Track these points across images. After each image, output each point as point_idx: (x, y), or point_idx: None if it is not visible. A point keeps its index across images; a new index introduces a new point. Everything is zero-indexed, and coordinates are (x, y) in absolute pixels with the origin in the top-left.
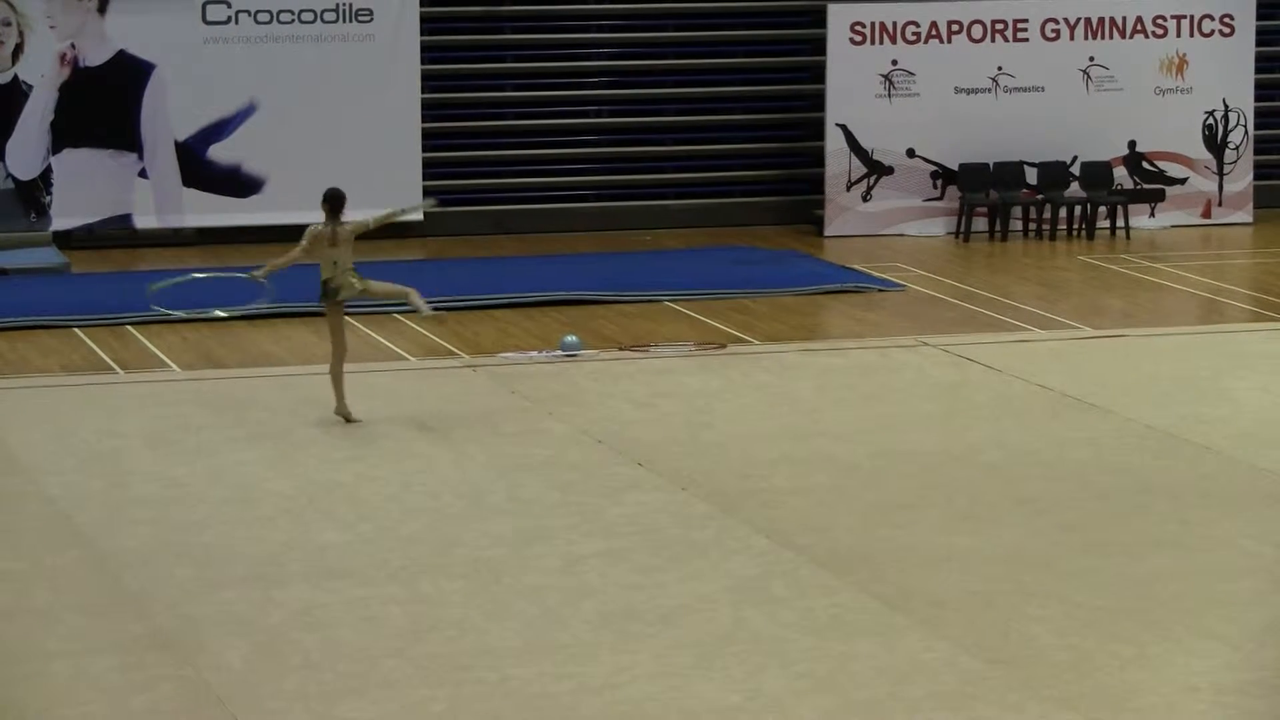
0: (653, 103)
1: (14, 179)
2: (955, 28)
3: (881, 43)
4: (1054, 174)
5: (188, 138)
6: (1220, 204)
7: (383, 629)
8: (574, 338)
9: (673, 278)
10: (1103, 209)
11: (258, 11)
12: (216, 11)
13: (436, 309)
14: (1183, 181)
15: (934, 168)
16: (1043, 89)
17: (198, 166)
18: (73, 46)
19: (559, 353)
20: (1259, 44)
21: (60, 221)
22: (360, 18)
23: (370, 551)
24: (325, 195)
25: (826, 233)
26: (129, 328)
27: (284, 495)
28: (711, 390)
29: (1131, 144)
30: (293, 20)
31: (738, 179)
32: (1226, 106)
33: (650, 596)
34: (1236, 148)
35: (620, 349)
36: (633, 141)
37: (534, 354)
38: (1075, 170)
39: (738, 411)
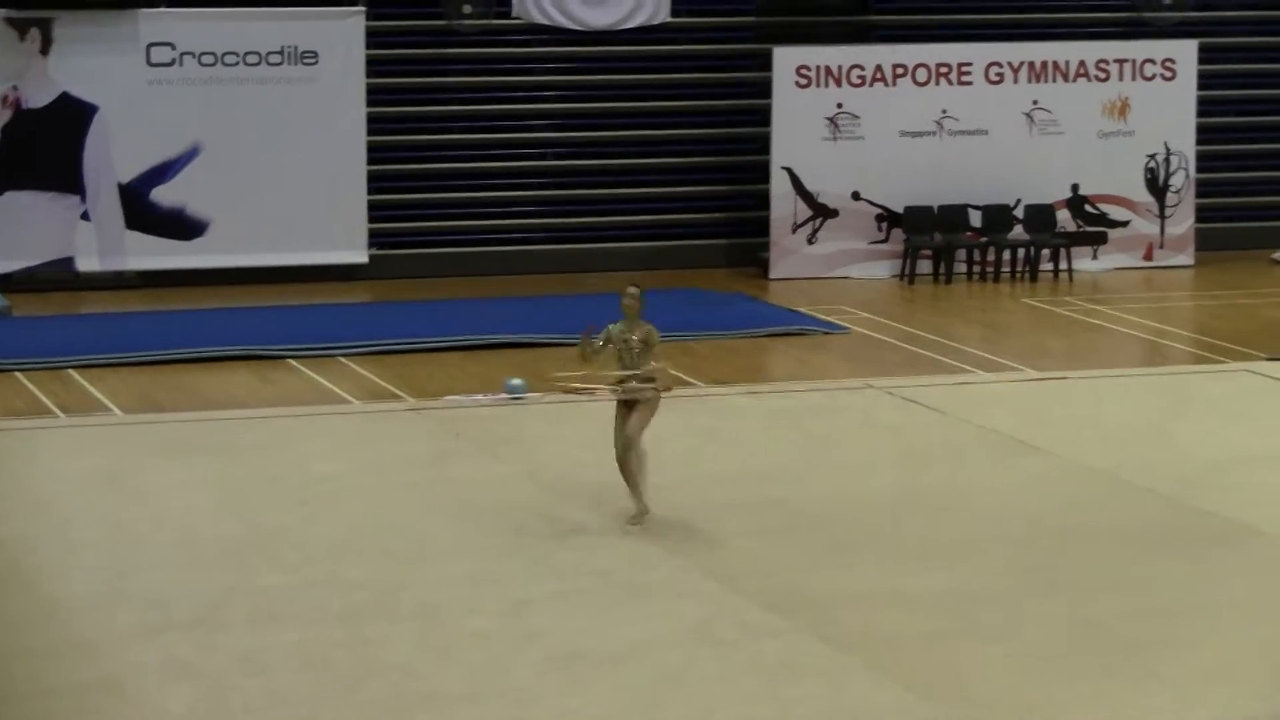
0: (600, 145)
1: None
2: (900, 71)
3: (827, 86)
4: (997, 217)
5: (131, 180)
6: (1162, 246)
7: (327, 673)
8: (519, 380)
9: (617, 320)
10: (1046, 251)
11: (202, 54)
12: (161, 53)
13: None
14: (1125, 224)
15: (879, 210)
16: (987, 132)
17: (141, 209)
18: (15, 88)
19: (504, 396)
20: (1200, 88)
21: (1, 264)
22: (305, 60)
23: (314, 595)
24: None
25: (772, 275)
26: (70, 371)
27: (228, 539)
28: (657, 433)
29: (1074, 187)
30: (237, 63)
31: (683, 221)
32: (1168, 150)
33: (598, 640)
34: (1178, 191)
35: (565, 391)
36: (579, 184)
37: (479, 397)
38: (1019, 213)
39: (683, 454)
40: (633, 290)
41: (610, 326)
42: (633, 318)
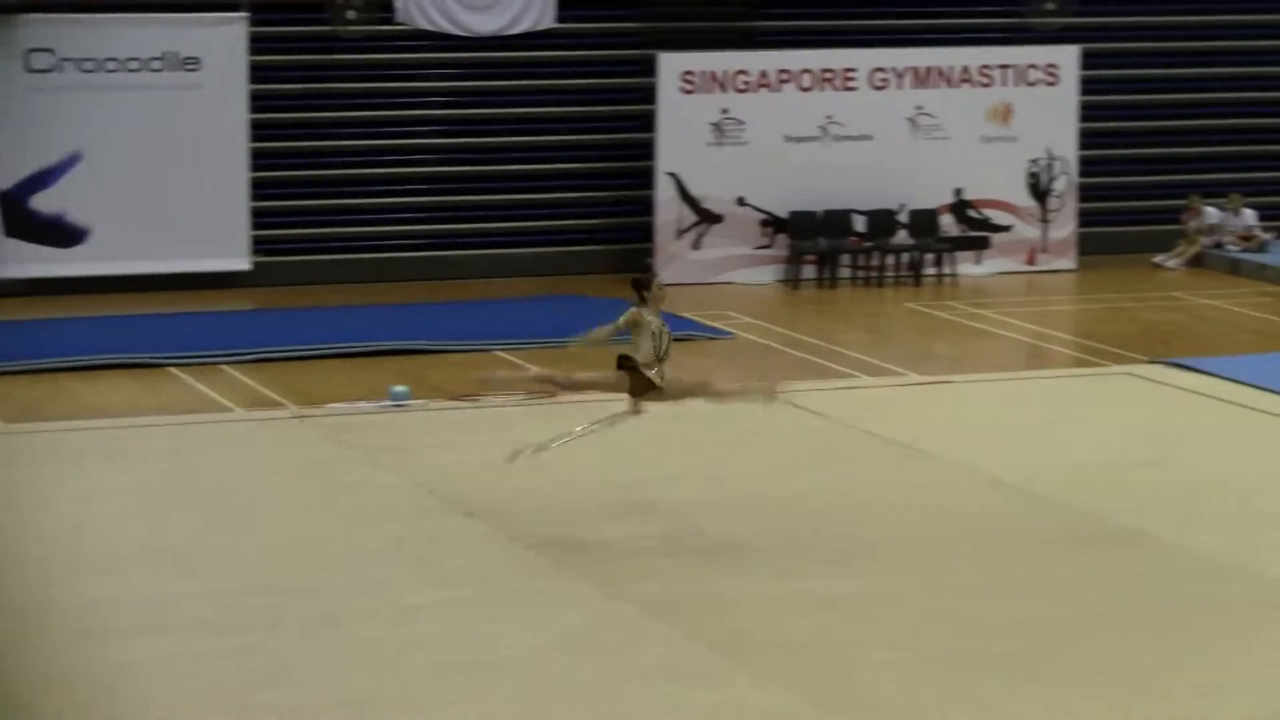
0: (484, 151)
1: None
2: (785, 77)
3: (712, 91)
4: (882, 222)
5: (11, 187)
6: (1044, 251)
7: (213, 682)
8: (403, 388)
9: (503, 327)
10: (929, 256)
11: (83, 59)
12: (41, 59)
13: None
14: (1008, 229)
15: (763, 216)
16: (871, 138)
17: (21, 216)
18: None
19: (388, 403)
20: (1083, 93)
21: None
22: (188, 66)
23: (200, 605)
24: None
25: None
26: None
27: (110, 549)
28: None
29: (958, 192)
30: (119, 69)
31: (568, 227)
32: (1051, 155)
33: (482, 647)
34: (1060, 195)
35: (450, 399)
36: (464, 190)
37: (362, 404)
38: (903, 218)
39: (569, 460)
40: (661, 280)
41: (637, 311)
42: (657, 308)
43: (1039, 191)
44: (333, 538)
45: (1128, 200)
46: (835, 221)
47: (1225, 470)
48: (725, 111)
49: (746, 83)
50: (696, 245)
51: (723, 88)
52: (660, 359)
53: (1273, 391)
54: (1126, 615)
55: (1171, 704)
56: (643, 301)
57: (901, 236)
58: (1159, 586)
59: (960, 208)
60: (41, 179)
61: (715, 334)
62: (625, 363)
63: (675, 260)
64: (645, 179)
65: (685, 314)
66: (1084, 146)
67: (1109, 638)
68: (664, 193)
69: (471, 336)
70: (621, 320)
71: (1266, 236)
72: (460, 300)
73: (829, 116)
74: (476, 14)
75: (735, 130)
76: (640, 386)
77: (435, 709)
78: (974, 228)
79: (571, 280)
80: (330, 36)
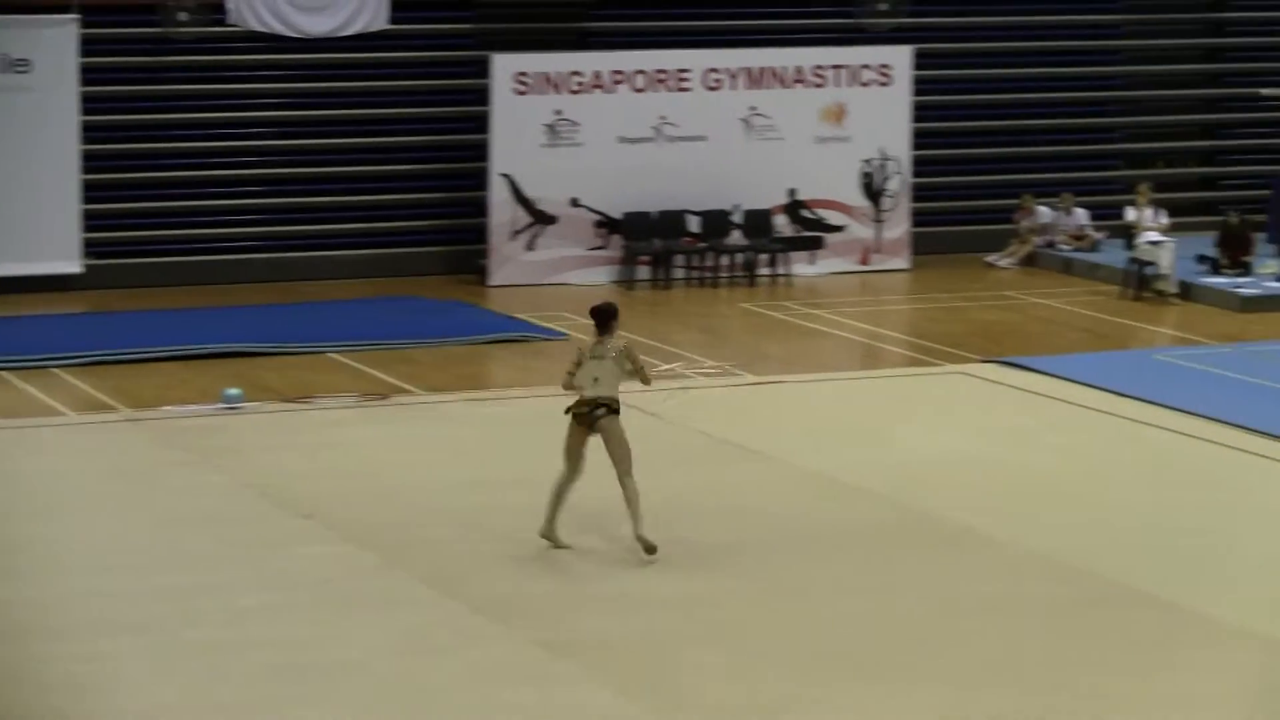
0: (318, 153)
1: None
2: (618, 78)
3: (545, 93)
4: (716, 222)
5: None
6: (878, 251)
7: (42, 688)
8: (236, 390)
9: (336, 329)
10: (764, 256)
11: None
12: None
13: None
14: (841, 229)
15: (598, 217)
16: (705, 138)
17: None
18: None
19: (221, 406)
20: (916, 93)
21: None
22: (17, 68)
23: (28, 610)
24: (591, 310)
25: (491, 282)
26: None
27: None
28: (377, 441)
29: (791, 192)
30: None
31: (402, 229)
32: (884, 155)
33: (316, 649)
34: (894, 195)
35: (284, 401)
36: (298, 192)
37: (195, 407)
38: (737, 218)
39: (403, 462)
40: (607, 308)
41: (583, 346)
42: (605, 339)
43: (872, 191)
44: (165, 541)
45: (961, 200)
46: (669, 222)
47: (1058, 468)
48: (559, 113)
49: (580, 84)
50: (531, 246)
51: (556, 89)
52: (596, 397)
53: (1104, 390)
54: (960, 613)
55: (1003, 701)
56: (602, 333)
57: (736, 237)
58: (993, 584)
59: (794, 208)
60: None
61: (549, 335)
62: (569, 410)
63: (509, 261)
64: (479, 180)
65: (519, 315)
66: (917, 146)
67: (942, 636)
68: (498, 194)
69: (305, 339)
70: (571, 365)
71: (1098, 235)
72: (294, 302)
73: (663, 117)
74: (309, 15)
75: (569, 131)
76: (586, 422)
77: (266, 712)
78: (808, 228)
79: (406, 282)
80: (162, 38)
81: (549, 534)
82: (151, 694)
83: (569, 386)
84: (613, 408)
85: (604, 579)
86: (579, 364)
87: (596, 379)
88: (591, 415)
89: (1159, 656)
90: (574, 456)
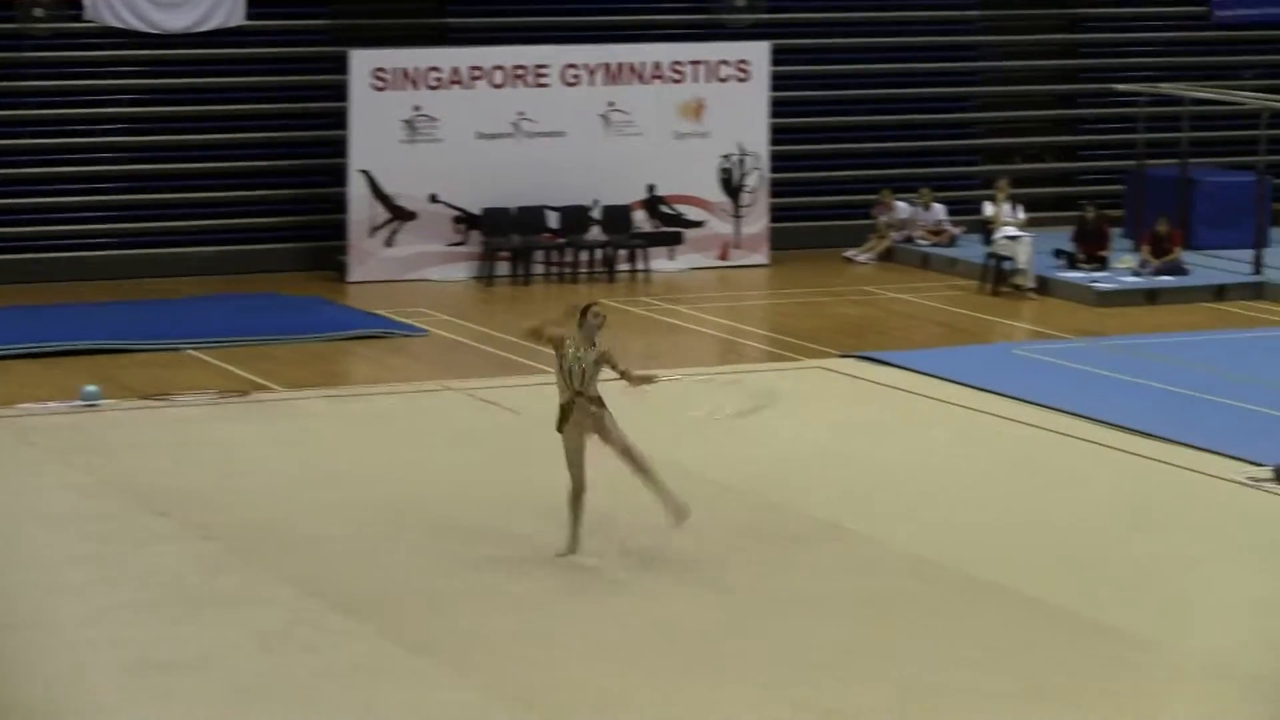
0: (175, 149)
1: None
2: (477, 73)
3: (404, 88)
4: (575, 218)
5: None
6: (738, 246)
7: None
8: (94, 387)
9: (195, 326)
10: (623, 252)
11: None
12: None
13: None
14: (701, 224)
15: (457, 213)
16: (564, 134)
17: None
18: None
19: (79, 403)
20: (774, 89)
21: None
22: None
23: None
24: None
25: (350, 278)
26: None
27: None
28: (236, 438)
29: (650, 188)
30: None
31: (260, 225)
32: (743, 150)
33: (177, 648)
34: (752, 191)
35: (142, 398)
36: (156, 189)
37: (52, 404)
38: (596, 214)
39: (262, 459)
40: (597, 309)
41: (562, 333)
42: (590, 337)
43: (731, 187)
44: (21, 539)
45: (819, 195)
46: (528, 218)
47: (916, 463)
48: (417, 108)
49: (438, 79)
50: (390, 243)
51: (415, 85)
52: (578, 391)
53: (962, 384)
54: (820, 607)
55: (841, 693)
56: (581, 327)
57: (595, 233)
58: (851, 580)
59: (653, 204)
60: None
61: (409, 331)
62: (560, 429)
63: (369, 258)
64: (338, 176)
65: (379, 311)
66: (776, 142)
67: (801, 629)
68: (357, 190)
69: (164, 335)
70: (546, 331)
71: (956, 231)
72: (151, 299)
73: (521, 113)
74: (165, 11)
75: (428, 127)
76: (584, 426)
77: (126, 712)
78: (667, 223)
79: (265, 278)
80: (17, 34)
81: (573, 549)
82: (13, 693)
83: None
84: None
85: (464, 577)
86: (553, 340)
87: (569, 379)
88: (589, 414)
89: (1012, 649)
90: (578, 465)
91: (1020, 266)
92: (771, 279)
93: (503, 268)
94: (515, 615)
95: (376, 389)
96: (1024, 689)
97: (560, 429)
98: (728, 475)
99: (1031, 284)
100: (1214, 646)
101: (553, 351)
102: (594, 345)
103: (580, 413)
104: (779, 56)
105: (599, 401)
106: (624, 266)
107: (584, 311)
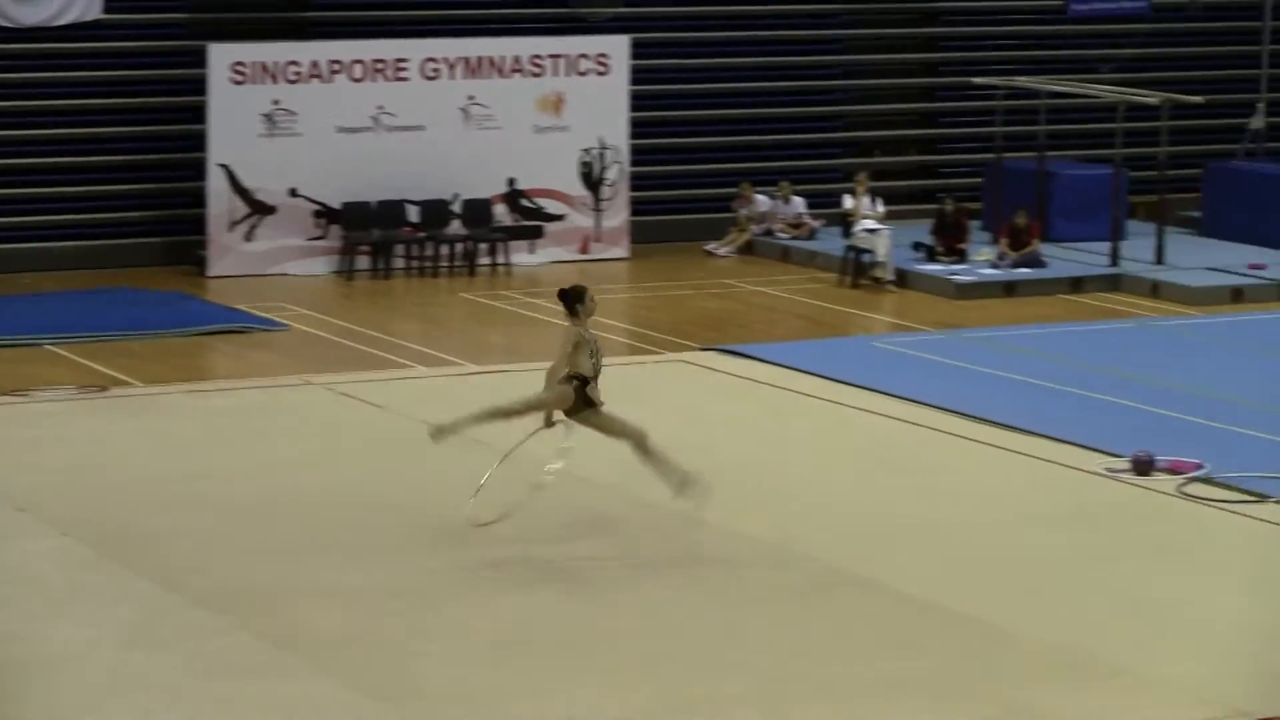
0: (30, 144)
1: None
2: (336, 67)
3: (263, 82)
4: (435, 212)
5: None
6: (598, 240)
7: None
8: None
9: (54, 321)
10: (484, 246)
11: None
12: None
13: None
14: (561, 218)
15: (317, 207)
16: (424, 128)
17: None
18: None
19: None
20: (634, 83)
21: None
22: None
23: None
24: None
25: (210, 273)
26: None
27: None
28: (96, 433)
29: (511, 181)
30: None
31: (119, 220)
32: (603, 144)
33: (34, 645)
34: (613, 184)
35: (1, 394)
36: (11, 183)
37: None
38: (456, 208)
39: (122, 455)
40: (592, 293)
41: (577, 331)
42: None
43: (592, 181)
44: None
45: (680, 189)
46: (389, 212)
47: (776, 455)
48: (277, 102)
49: (298, 73)
50: (249, 237)
51: (274, 79)
52: (596, 375)
53: (823, 377)
54: (682, 598)
55: (727, 682)
56: (574, 316)
57: (455, 226)
58: (711, 571)
59: (514, 197)
60: None
61: (270, 326)
62: (576, 379)
63: (228, 252)
64: (197, 171)
65: (239, 306)
66: (636, 136)
67: (664, 620)
68: (216, 184)
69: (21, 330)
70: (569, 347)
71: (815, 224)
72: (8, 294)
73: (381, 107)
74: (21, 5)
75: (287, 121)
76: (580, 403)
77: None
78: (528, 217)
79: (124, 273)
80: None
81: (681, 490)
82: None
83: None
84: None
85: (328, 572)
86: (577, 347)
87: (598, 359)
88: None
89: (873, 640)
90: (615, 430)
91: (879, 259)
92: (632, 272)
93: (363, 262)
94: (379, 610)
95: (237, 384)
96: (885, 680)
97: (578, 412)
98: (587, 468)
99: (891, 277)
100: (1074, 638)
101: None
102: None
103: (594, 391)
104: (638, 50)
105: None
106: (484, 260)
107: (580, 298)
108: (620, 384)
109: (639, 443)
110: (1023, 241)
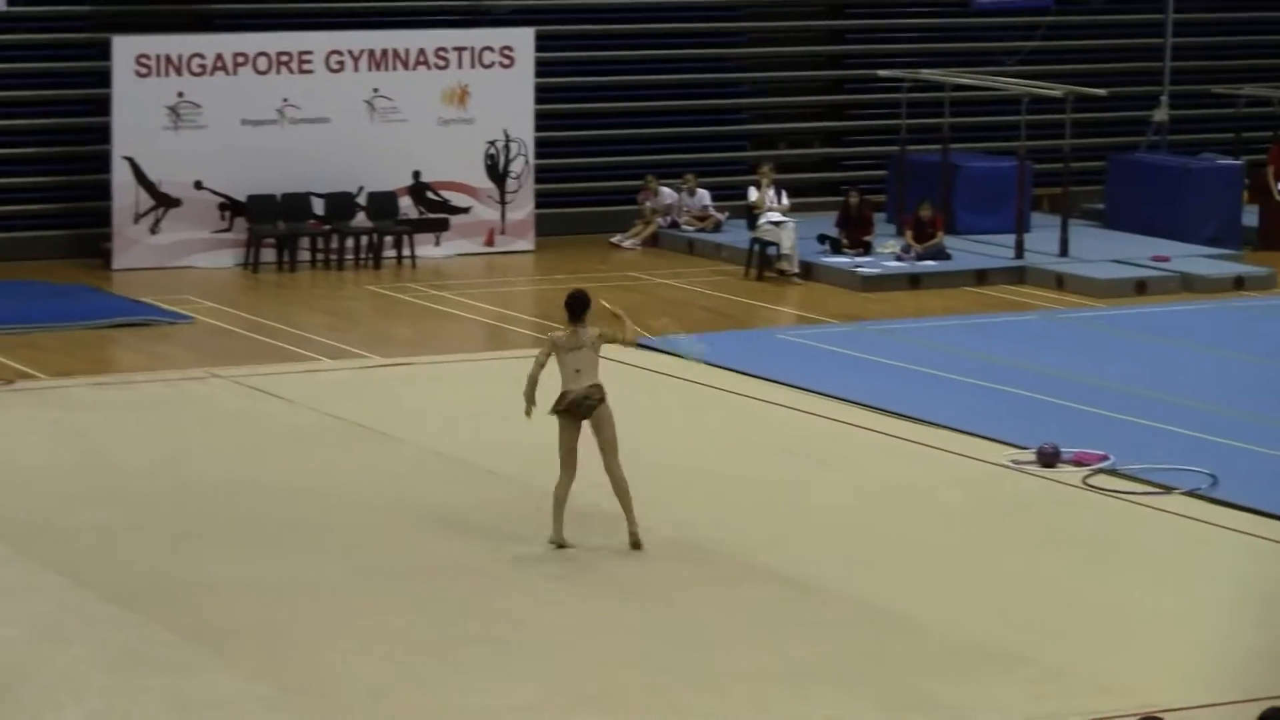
0: None
1: None
2: (241, 60)
3: (168, 75)
4: (341, 204)
5: None
6: (503, 232)
7: None
8: None
9: None
10: (389, 238)
11: None
12: None
13: None
14: (466, 210)
15: (222, 199)
16: (329, 120)
17: None
18: None
19: None
20: (538, 75)
21: None
22: None
23: None
24: (566, 299)
25: (115, 266)
26: None
27: None
28: (2, 427)
29: (416, 174)
30: None
31: (21, 213)
32: (508, 137)
33: None
34: (518, 177)
35: None
36: None
37: None
38: (362, 200)
39: (29, 448)
40: (581, 297)
41: (555, 336)
42: (581, 324)
43: (497, 173)
44: None
45: (585, 181)
46: (294, 205)
47: (681, 446)
48: (181, 95)
49: (202, 66)
50: (155, 230)
51: (178, 71)
52: (589, 382)
53: (728, 369)
54: (588, 591)
55: (629, 676)
56: (575, 322)
57: (361, 219)
58: (619, 564)
59: (419, 190)
60: None
61: (175, 318)
62: (557, 409)
63: (134, 245)
64: (102, 163)
65: (144, 299)
66: (540, 128)
67: (567, 613)
68: (121, 177)
69: None
70: (541, 355)
71: (721, 216)
72: None
73: (286, 99)
74: None
75: (192, 114)
76: (579, 414)
77: None
78: (433, 210)
79: (28, 266)
80: None
81: (558, 539)
82: None
83: (534, 381)
84: (602, 394)
85: (232, 566)
86: (549, 356)
87: (579, 370)
88: (585, 406)
89: (779, 631)
90: (570, 456)
91: (785, 252)
92: (538, 265)
93: (268, 254)
94: (288, 604)
95: (144, 377)
96: (790, 669)
97: (556, 411)
98: (495, 461)
99: (796, 269)
100: (979, 628)
101: (554, 357)
102: (585, 331)
103: (581, 402)
104: (543, 42)
105: (601, 391)
106: (390, 253)
107: (587, 305)
108: (519, 376)
109: (613, 462)
110: (927, 234)
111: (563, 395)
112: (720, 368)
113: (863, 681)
